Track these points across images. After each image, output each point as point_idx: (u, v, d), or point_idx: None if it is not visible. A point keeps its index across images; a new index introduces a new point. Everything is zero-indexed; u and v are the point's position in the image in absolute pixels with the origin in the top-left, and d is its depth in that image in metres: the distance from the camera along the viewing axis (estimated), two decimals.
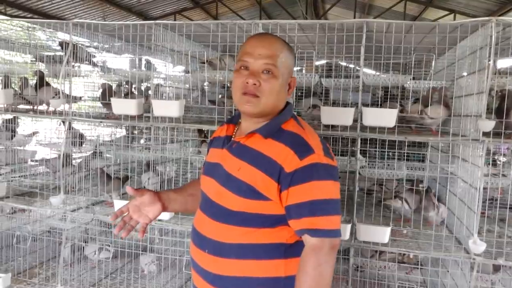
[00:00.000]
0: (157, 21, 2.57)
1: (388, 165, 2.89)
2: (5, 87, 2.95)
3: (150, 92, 2.95)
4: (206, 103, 2.97)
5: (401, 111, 2.46)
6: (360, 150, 2.44)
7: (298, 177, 1.21)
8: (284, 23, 2.46)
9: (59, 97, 2.79)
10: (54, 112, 2.92)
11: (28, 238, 3.09)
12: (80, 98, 3.14)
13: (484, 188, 2.21)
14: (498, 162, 3.05)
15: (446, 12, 7.73)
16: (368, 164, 2.82)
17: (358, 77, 2.49)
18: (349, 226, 2.30)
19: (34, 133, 3.55)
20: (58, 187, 2.85)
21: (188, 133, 3.72)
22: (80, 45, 2.95)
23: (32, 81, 3.17)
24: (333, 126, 2.37)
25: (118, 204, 2.57)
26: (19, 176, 3.28)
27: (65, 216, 2.81)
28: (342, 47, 2.43)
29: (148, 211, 1.44)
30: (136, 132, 3.82)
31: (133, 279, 3.02)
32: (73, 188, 2.98)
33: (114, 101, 2.60)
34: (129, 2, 7.66)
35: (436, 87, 2.63)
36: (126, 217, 1.44)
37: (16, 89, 3.18)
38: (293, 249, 1.28)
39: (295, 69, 1.58)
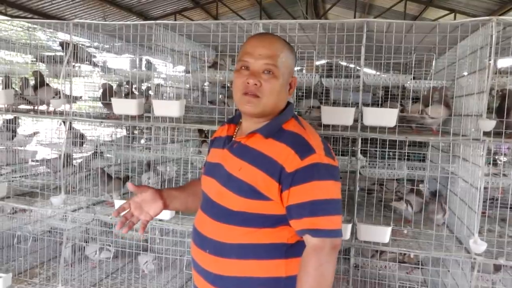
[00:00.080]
0: (158, 21, 2.58)
1: (389, 165, 2.89)
2: (5, 88, 2.95)
3: (150, 92, 2.95)
4: (206, 103, 2.97)
5: (401, 111, 2.46)
6: (361, 150, 2.44)
7: (299, 177, 1.22)
8: (285, 23, 2.46)
9: (59, 97, 2.79)
10: (55, 112, 2.92)
11: (29, 238, 3.10)
12: (80, 97, 3.15)
13: (485, 188, 2.21)
14: (499, 162, 3.04)
15: (447, 12, 7.73)
16: (369, 164, 2.81)
17: (358, 77, 2.49)
18: (349, 226, 2.30)
19: (34, 133, 3.55)
20: (58, 187, 2.85)
21: (189, 133, 3.72)
22: (80, 45, 2.95)
23: (32, 82, 3.17)
24: (333, 126, 2.37)
25: (119, 204, 2.56)
26: (20, 176, 3.29)
27: (65, 216, 2.81)
28: (343, 47, 2.43)
29: (149, 208, 1.43)
30: (136, 132, 3.82)
31: (134, 279, 3.02)
32: (73, 188, 2.98)
33: (115, 101, 2.60)
34: (130, 2, 7.67)
35: (437, 87, 2.63)
36: (127, 214, 1.44)
37: (17, 89, 3.18)
38: (294, 249, 1.28)
39: (295, 69, 1.58)
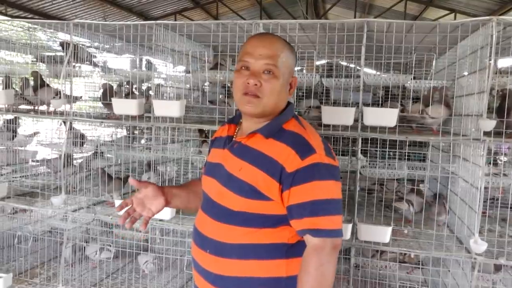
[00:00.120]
0: (158, 21, 2.58)
1: (389, 164, 2.89)
2: (6, 88, 2.95)
3: (151, 92, 2.95)
4: (206, 103, 2.97)
5: (402, 110, 2.46)
6: (361, 149, 2.44)
7: (300, 177, 1.21)
8: (285, 23, 2.46)
9: (59, 98, 2.79)
10: (55, 113, 2.93)
11: (29, 238, 3.10)
12: (80, 97, 3.15)
13: (485, 188, 2.21)
14: (499, 162, 3.04)
15: (447, 12, 7.73)
16: (369, 164, 2.81)
17: (358, 76, 2.49)
18: (350, 225, 2.30)
19: (35, 134, 3.56)
20: (59, 187, 2.85)
21: (189, 133, 3.72)
22: (80, 45, 2.95)
23: (32, 82, 3.18)
24: (334, 126, 2.37)
25: (119, 204, 2.57)
26: (20, 177, 3.29)
27: (66, 216, 2.81)
28: (343, 47, 2.43)
29: (151, 204, 1.44)
30: (137, 132, 3.82)
31: (134, 279, 3.02)
32: (74, 188, 2.98)
33: (115, 101, 2.60)
34: (130, 2, 7.67)
35: (437, 87, 2.63)
36: (130, 209, 1.44)
37: (17, 89, 3.18)
38: (295, 249, 1.28)
39: (296, 69, 1.58)
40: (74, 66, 2.91)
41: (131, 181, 1.44)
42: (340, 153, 3.09)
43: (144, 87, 3.56)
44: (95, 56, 3.21)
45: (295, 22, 2.46)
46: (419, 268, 2.97)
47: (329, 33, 2.53)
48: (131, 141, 3.50)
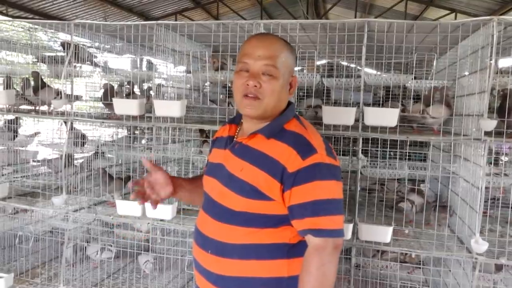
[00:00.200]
0: (158, 22, 2.58)
1: (390, 164, 2.89)
2: (7, 88, 2.95)
3: (151, 92, 2.95)
4: (207, 103, 2.97)
5: (402, 110, 2.46)
6: (362, 149, 2.44)
7: (301, 177, 1.22)
8: (286, 23, 2.46)
9: (60, 98, 2.80)
10: (56, 113, 2.93)
11: (30, 238, 3.10)
12: (81, 97, 3.15)
13: (486, 188, 2.21)
14: (500, 162, 3.04)
15: (447, 12, 7.72)
16: (370, 164, 2.81)
17: (359, 76, 2.49)
18: (351, 225, 2.30)
19: (36, 134, 3.56)
20: (60, 187, 2.85)
21: (190, 133, 3.73)
22: (81, 45, 2.95)
23: (32, 83, 3.18)
24: (334, 126, 2.37)
25: (120, 204, 2.58)
26: (21, 177, 3.29)
27: (67, 216, 2.81)
28: (344, 47, 2.43)
29: (160, 189, 1.47)
30: (137, 132, 3.82)
31: (135, 279, 3.02)
32: (75, 188, 2.99)
33: (116, 101, 2.60)
34: (130, 2, 7.67)
35: (438, 87, 2.63)
36: (140, 189, 1.46)
37: (18, 89, 3.19)
38: (296, 249, 1.28)
39: (296, 69, 1.58)
40: (75, 66, 2.91)
41: (144, 161, 1.47)
42: (341, 153, 3.09)
43: (145, 87, 3.56)
44: (96, 56, 3.21)
45: (296, 22, 2.46)
46: (420, 268, 2.97)
47: (330, 33, 2.53)
48: (132, 141, 3.50)
